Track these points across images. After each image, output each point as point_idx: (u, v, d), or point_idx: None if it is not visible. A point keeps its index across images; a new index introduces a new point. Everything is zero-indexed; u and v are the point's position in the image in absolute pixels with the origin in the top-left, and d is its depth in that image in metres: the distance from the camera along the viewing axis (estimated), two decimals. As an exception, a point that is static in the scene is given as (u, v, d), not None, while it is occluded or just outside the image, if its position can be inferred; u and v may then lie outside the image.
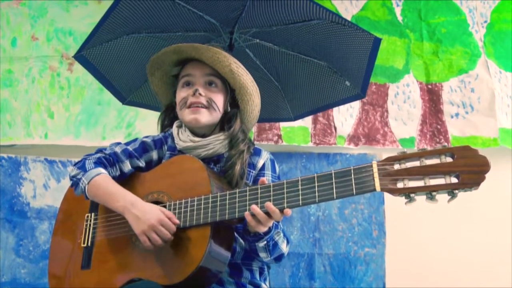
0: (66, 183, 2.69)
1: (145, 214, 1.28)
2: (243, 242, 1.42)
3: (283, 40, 2.13)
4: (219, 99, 1.49)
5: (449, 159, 1.04)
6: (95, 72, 2.11)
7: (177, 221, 1.29)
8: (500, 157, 2.87)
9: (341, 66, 2.16)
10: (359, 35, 2.01)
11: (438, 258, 2.81)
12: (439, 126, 2.97)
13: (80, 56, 2.04)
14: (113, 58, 2.07)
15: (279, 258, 1.41)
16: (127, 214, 1.32)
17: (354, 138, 2.96)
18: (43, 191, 2.82)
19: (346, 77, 2.19)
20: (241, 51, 2.12)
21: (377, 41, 2.01)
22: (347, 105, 2.90)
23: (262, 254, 1.36)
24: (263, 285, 1.47)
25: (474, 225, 2.82)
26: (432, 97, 3.01)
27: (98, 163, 1.44)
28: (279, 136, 2.91)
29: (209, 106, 1.47)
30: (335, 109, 2.90)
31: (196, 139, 1.47)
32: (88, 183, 1.39)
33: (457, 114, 2.97)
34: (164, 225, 1.27)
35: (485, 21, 3.08)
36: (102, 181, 1.39)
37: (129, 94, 2.23)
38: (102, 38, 1.98)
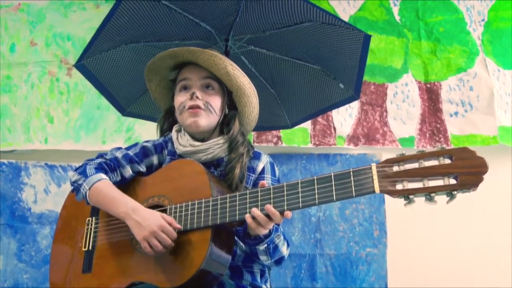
0: (67, 187, 2.69)
1: (146, 220, 1.28)
2: (243, 245, 1.42)
3: (277, 46, 2.13)
4: (216, 102, 1.49)
5: (447, 161, 1.05)
6: (95, 82, 2.11)
7: (178, 226, 1.30)
8: (500, 155, 2.87)
9: (334, 68, 2.15)
10: (349, 34, 2.00)
11: (440, 257, 2.81)
12: (438, 125, 2.97)
13: (81, 65, 2.04)
14: (112, 68, 2.07)
15: (279, 261, 1.41)
16: (128, 220, 1.32)
17: (353, 138, 2.95)
18: (44, 196, 2.82)
19: (339, 80, 2.18)
20: (237, 58, 2.11)
21: (367, 38, 2.01)
22: (346, 105, 2.89)
23: (263, 257, 1.37)
24: (264, 287, 1.47)
25: (474, 224, 2.82)
26: (431, 96, 3.01)
27: (99, 168, 1.45)
28: (279, 138, 2.90)
29: (206, 109, 1.47)
30: (334, 110, 2.90)
31: (196, 143, 1.47)
32: (89, 189, 1.39)
33: (456, 113, 2.98)
34: (165, 231, 1.27)
35: (483, 20, 3.08)
36: (103, 187, 1.39)
37: (128, 105, 2.23)
38: (101, 47, 1.98)
